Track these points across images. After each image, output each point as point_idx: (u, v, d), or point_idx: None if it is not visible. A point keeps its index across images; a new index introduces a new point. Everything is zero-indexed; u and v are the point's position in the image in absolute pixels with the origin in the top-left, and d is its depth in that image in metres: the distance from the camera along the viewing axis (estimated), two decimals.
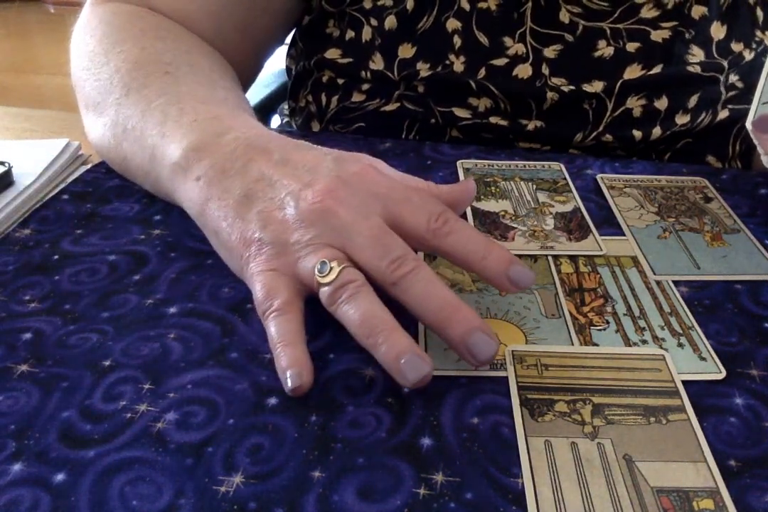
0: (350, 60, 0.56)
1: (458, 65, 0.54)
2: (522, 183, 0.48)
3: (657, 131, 0.55)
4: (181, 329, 0.34)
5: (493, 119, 0.55)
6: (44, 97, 2.65)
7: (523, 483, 0.26)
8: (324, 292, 0.31)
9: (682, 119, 0.55)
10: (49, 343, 0.33)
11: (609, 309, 0.36)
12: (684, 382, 0.31)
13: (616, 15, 0.52)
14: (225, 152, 0.36)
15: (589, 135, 0.55)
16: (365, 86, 0.57)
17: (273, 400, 0.30)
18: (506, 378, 0.31)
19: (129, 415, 0.29)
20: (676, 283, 0.38)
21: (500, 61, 0.54)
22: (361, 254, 0.32)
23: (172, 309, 0.35)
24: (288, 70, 0.65)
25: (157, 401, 0.30)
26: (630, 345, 0.33)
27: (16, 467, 0.27)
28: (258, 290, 0.32)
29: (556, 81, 0.54)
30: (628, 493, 0.26)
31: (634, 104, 0.54)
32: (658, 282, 0.38)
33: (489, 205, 0.45)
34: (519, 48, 0.53)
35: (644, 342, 0.34)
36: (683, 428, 0.29)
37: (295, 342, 0.30)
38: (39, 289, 0.37)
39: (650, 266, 0.39)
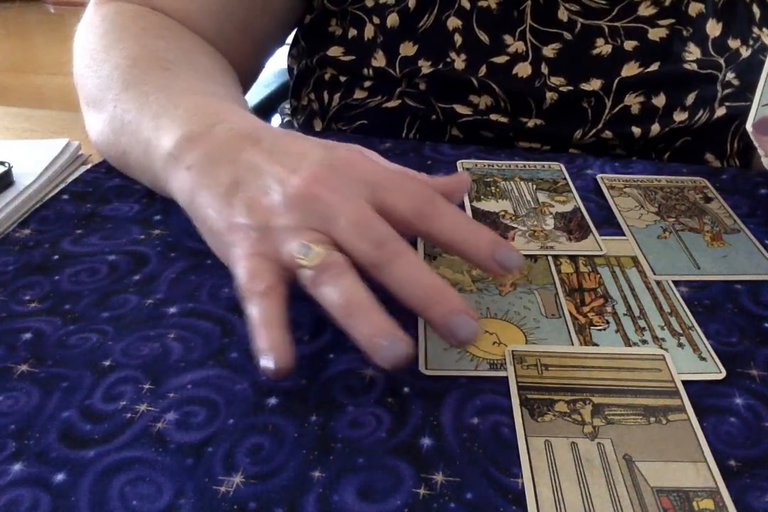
0: (352, 57, 0.56)
1: (459, 63, 0.54)
2: (522, 183, 0.48)
3: (656, 128, 0.55)
4: (181, 329, 0.34)
5: (493, 116, 0.55)
6: (44, 97, 2.65)
7: (523, 483, 0.26)
8: (305, 275, 0.31)
9: (680, 116, 0.55)
10: (49, 343, 0.33)
11: (609, 309, 0.36)
12: (684, 382, 0.31)
13: (614, 13, 0.53)
14: (217, 142, 0.36)
15: (588, 132, 0.55)
16: (367, 83, 0.57)
17: (273, 400, 0.30)
18: (506, 378, 0.31)
19: (129, 415, 0.29)
20: (676, 283, 0.38)
21: (501, 59, 0.54)
22: (344, 236, 0.31)
23: (172, 309, 0.35)
24: (290, 69, 0.66)
25: (157, 401, 0.30)
26: (630, 345, 0.33)
27: (16, 467, 0.27)
28: (241, 274, 0.31)
29: (555, 80, 0.54)
30: (628, 493, 0.26)
31: (632, 101, 0.54)
32: (658, 282, 0.38)
33: (489, 205, 0.45)
34: (519, 46, 0.54)
35: (644, 342, 0.34)
36: (683, 428, 0.29)
37: (275, 323, 0.30)
38: (39, 289, 0.37)
39: (650, 266, 0.39)
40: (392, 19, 0.54)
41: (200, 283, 0.37)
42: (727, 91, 0.57)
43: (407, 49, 0.55)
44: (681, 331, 0.34)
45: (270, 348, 0.29)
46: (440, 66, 0.55)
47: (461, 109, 0.56)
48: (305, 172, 0.33)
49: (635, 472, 0.27)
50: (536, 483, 0.26)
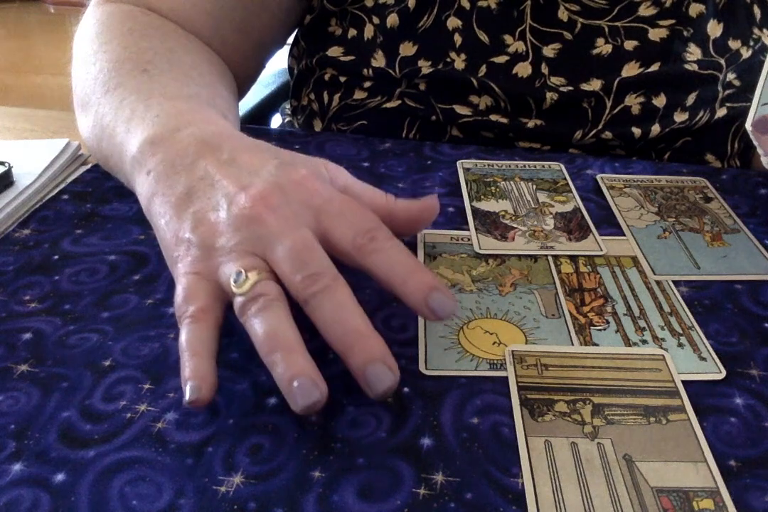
0: (352, 58, 0.56)
1: (459, 63, 0.54)
2: (522, 183, 0.48)
3: (656, 128, 0.55)
4: None
5: (493, 117, 0.55)
6: (44, 97, 2.65)
7: (523, 483, 0.26)
8: (236, 303, 0.30)
9: (680, 117, 0.55)
10: (49, 343, 0.33)
11: (609, 309, 0.36)
12: (684, 382, 0.31)
13: (614, 13, 0.53)
14: (178, 148, 0.36)
15: (588, 132, 0.55)
16: (367, 84, 0.57)
17: (273, 400, 0.30)
18: (506, 378, 0.31)
19: (129, 415, 0.29)
20: (676, 283, 0.38)
21: (501, 59, 0.54)
22: (279, 266, 0.31)
23: (172, 309, 0.35)
24: (290, 69, 0.66)
25: (157, 401, 0.30)
26: (630, 345, 0.33)
27: (16, 467, 0.27)
28: (178, 293, 0.31)
29: (555, 81, 0.54)
30: (628, 493, 0.26)
31: (633, 102, 0.54)
32: (658, 282, 0.38)
33: (489, 205, 0.45)
34: (519, 46, 0.54)
35: (644, 342, 0.34)
36: (683, 428, 0.29)
37: (200, 352, 0.29)
38: (39, 289, 0.37)
39: (650, 266, 0.39)
40: (392, 19, 0.54)
41: None
42: (727, 91, 0.56)
43: (407, 49, 0.55)
44: (681, 331, 0.34)
45: (192, 378, 0.28)
46: (440, 66, 0.54)
47: (461, 110, 0.56)
48: (253, 190, 0.33)
49: (635, 472, 0.27)
50: (536, 483, 0.26)
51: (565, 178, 0.49)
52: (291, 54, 0.65)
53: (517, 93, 0.54)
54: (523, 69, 0.54)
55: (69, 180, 0.49)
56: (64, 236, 0.42)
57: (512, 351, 0.33)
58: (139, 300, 0.36)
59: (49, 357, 0.32)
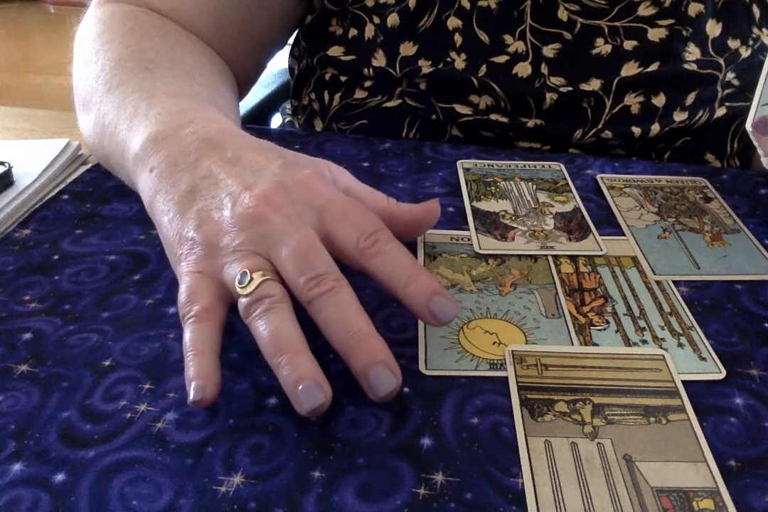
0: (353, 57, 0.56)
1: (459, 62, 0.54)
2: (522, 183, 0.48)
3: (656, 128, 0.55)
4: (181, 329, 0.34)
5: (493, 116, 0.55)
6: (44, 97, 2.65)
7: (523, 483, 0.26)
8: (241, 303, 0.30)
9: (679, 116, 0.55)
10: (49, 343, 0.33)
11: (609, 309, 0.36)
12: (684, 382, 0.31)
13: (613, 13, 0.53)
14: (181, 146, 0.36)
15: (588, 132, 0.55)
16: (367, 83, 0.57)
17: (273, 400, 0.30)
18: (506, 378, 0.31)
19: (129, 415, 0.29)
20: (676, 283, 0.38)
21: (501, 59, 0.54)
22: (283, 267, 0.31)
23: (172, 309, 0.35)
24: (291, 69, 0.66)
25: (157, 401, 0.30)
26: (630, 345, 0.33)
27: (16, 467, 0.27)
28: (182, 292, 0.31)
29: (555, 81, 0.54)
30: (628, 493, 0.26)
31: (632, 101, 0.54)
32: (658, 282, 0.38)
33: (489, 205, 0.45)
34: (519, 46, 0.54)
35: (644, 342, 0.34)
36: (683, 428, 0.29)
37: (205, 351, 0.29)
38: (39, 289, 0.37)
39: (650, 266, 0.39)
40: (392, 19, 0.54)
41: None
42: (727, 91, 0.57)
43: (407, 48, 0.55)
44: (681, 331, 0.34)
45: (197, 378, 0.28)
46: (440, 66, 0.55)
47: (461, 109, 0.56)
48: (257, 189, 0.33)
49: (635, 472, 0.27)
50: (536, 483, 0.26)
51: (565, 178, 0.49)
52: (292, 54, 0.65)
53: (517, 93, 0.54)
54: (523, 69, 0.54)
55: (69, 180, 0.49)
56: (64, 236, 0.42)
57: (512, 351, 0.33)
58: (139, 300, 0.36)
59: (49, 357, 0.32)
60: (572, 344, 0.33)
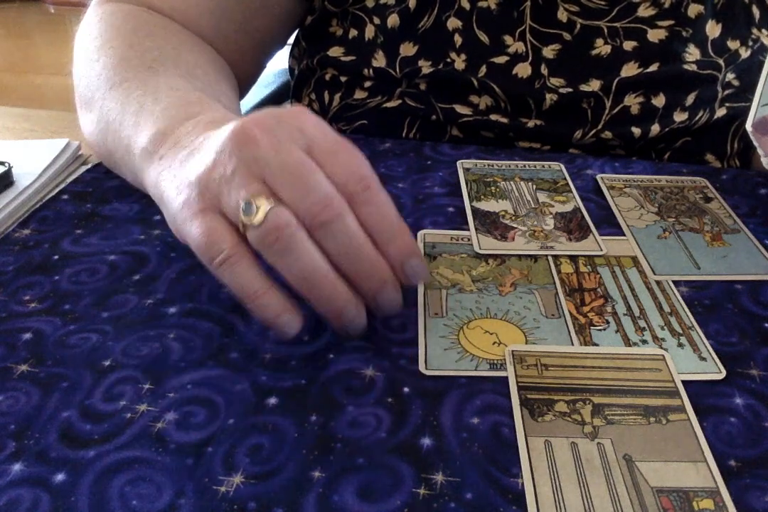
0: (353, 58, 0.57)
1: (459, 63, 0.54)
2: (522, 183, 0.48)
3: (656, 128, 0.55)
4: (181, 329, 0.34)
5: (493, 116, 0.55)
6: (44, 97, 2.65)
7: (523, 483, 0.26)
8: (253, 236, 0.29)
9: (680, 117, 0.55)
10: (49, 343, 0.33)
11: (609, 309, 0.36)
12: (684, 382, 0.31)
13: (613, 14, 0.53)
14: (185, 132, 0.36)
15: (588, 132, 0.55)
16: (367, 83, 0.57)
17: (273, 400, 0.30)
18: (506, 378, 0.31)
19: (129, 415, 0.29)
20: (676, 283, 0.38)
21: (501, 59, 0.54)
22: (283, 190, 0.30)
23: (172, 309, 0.35)
24: (291, 69, 0.66)
25: (157, 401, 0.30)
26: (630, 345, 0.33)
27: (16, 467, 0.27)
28: (196, 235, 0.30)
29: (554, 82, 0.54)
30: (628, 493, 0.26)
31: (632, 102, 0.54)
32: (658, 283, 0.38)
33: (489, 205, 0.45)
34: (519, 46, 0.54)
35: (644, 342, 0.34)
36: (683, 428, 0.29)
37: (267, 288, 0.29)
38: (39, 289, 0.37)
39: (650, 266, 0.39)
40: (392, 20, 0.54)
41: (200, 283, 0.37)
42: (727, 91, 0.57)
43: (407, 49, 0.55)
44: (681, 331, 0.34)
45: (277, 315, 0.29)
46: (440, 66, 0.55)
47: (461, 109, 0.56)
48: (247, 119, 0.32)
49: (635, 472, 0.27)
50: (536, 483, 0.26)
51: (565, 178, 0.49)
52: (292, 54, 0.65)
53: (517, 93, 0.54)
54: (523, 69, 0.54)
55: (69, 180, 0.49)
56: (64, 236, 0.42)
57: (512, 351, 0.33)
58: (139, 300, 0.36)
59: (49, 357, 0.32)
60: (572, 344, 0.33)
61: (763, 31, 0.56)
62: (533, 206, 0.45)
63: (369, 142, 0.54)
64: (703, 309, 0.36)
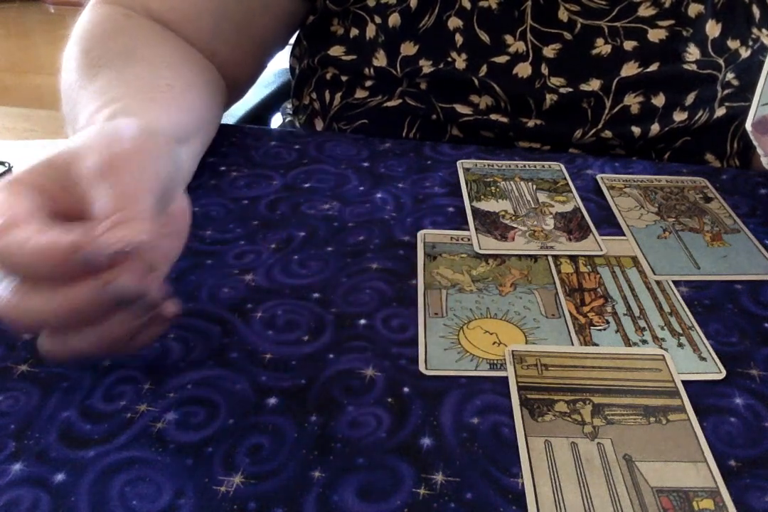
0: (354, 57, 0.57)
1: (460, 62, 0.54)
2: (522, 183, 0.48)
3: (655, 128, 0.55)
4: (181, 329, 0.34)
5: (493, 116, 0.56)
6: (44, 97, 2.64)
7: (523, 483, 0.26)
8: None
9: (679, 116, 0.55)
10: None
11: (609, 309, 0.36)
12: (684, 382, 0.31)
13: (613, 13, 0.53)
14: None
15: (588, 132, 0.55)
16: (368, 83, 0.57)
17: (273, 400, 0.30)
18: (506, 378, 0.31)
19: (129, 415, 0.29)
20: (676, 283, 0.38)
21: (501, 59, 0.54)
22: None
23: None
24: (291, 69, 0.66)
25: (157, 401, 0.30)
26: (630, 345, 0.33)
27: (16, 467, 0.27)
28: None
29: (555, 81, 0.54)
30: (628, 493, 0.26)
31: (632, 101, 0.54)
32: (658, 282, 0.38)
33: (489, 205, 0.45)
34: (519, 46, 0.54)
35: (644, 342, 0.34)
36: (683, 428, 0.29)
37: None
38: None
39: (650, 266, 0.39)
40: (393, 19, 0.54)
41: (200, 283, 0.37)
42: (727, 91, 0.57)
43: (408, 48, 0.55)
44: (681, 331, 0.34)
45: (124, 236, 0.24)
46: (441, 66, 0.55)
47: (461, 109, 0.56)
48: None
49: (635, 472, 0.27)
50: (536, 483, 0.26)
51: (565, 178, 0.49)
52: (293, 54, 0.65)
53: (518, 93, 0.54)
54: (524, 69, 0.54)
55: None
56: None
57: (512, 351, 0.33)
58: None
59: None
60: (572, 344, 0.33)
61: (763, 30, 0.56)
62: (533, 206, 0.45)
63: (369, 142, 0.54)
64: (703, 309, 0.36)
